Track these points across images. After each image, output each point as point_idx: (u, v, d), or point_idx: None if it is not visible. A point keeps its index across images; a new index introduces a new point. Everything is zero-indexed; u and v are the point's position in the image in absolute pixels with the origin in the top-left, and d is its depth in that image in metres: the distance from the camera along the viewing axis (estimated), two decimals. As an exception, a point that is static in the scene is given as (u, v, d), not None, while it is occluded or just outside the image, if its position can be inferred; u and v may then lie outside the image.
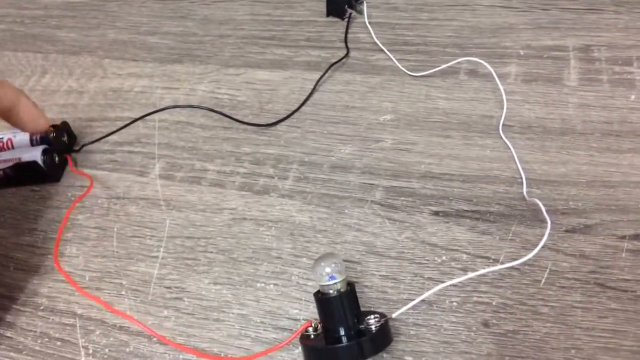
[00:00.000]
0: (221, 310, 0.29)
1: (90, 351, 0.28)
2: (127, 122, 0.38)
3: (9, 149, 0.36)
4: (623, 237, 0.29)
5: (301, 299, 0.29)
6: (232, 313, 0.29)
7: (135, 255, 0.32)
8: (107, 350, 0.28)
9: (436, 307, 0.28)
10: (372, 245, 0.31)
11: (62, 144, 0.37)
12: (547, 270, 0.28)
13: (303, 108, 0.39)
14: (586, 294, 0.27)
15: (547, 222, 0.28)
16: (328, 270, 0.25)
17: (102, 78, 0.44)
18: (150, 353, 0.28)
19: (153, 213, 0.34)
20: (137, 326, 0.29)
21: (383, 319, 0.25)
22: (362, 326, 0.25)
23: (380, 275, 0.29)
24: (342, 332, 0.25)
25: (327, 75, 0.41)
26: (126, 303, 0.30)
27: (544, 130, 0.35)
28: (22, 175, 0.35)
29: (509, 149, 0.34)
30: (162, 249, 0.32)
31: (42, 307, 0.30)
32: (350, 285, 0.26)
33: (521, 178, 0.32)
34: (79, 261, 0.32)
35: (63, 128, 0.37)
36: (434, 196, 0.33)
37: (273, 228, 0.32)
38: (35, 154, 0.35)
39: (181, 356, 0.28)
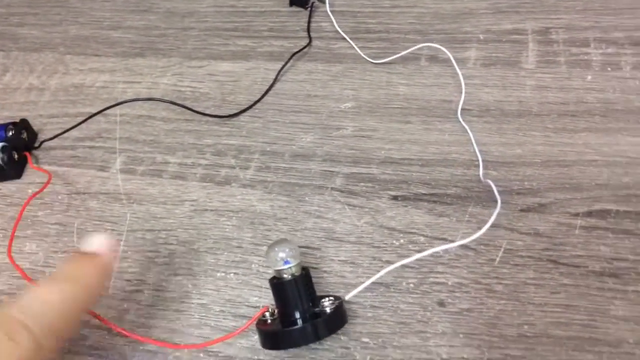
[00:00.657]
0: (181, 301, 0.29)
1: (50, 346, 0.28)
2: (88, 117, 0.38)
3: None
4: (576, 215, 0.30)
5: (261, 287, 0.29)
6: (192, 303, 0.29)
7: (96, 249, 0.32)
8: (66, 344, 0.28)
9: (393, 289, 0.28)
10: (332, 231, 0.31)
11: (20, 141, 0.37)
12: (502, 249, 0.29)
13: (265, 98, 0.39)
14: (539, 271, 0.28)
15: (500, 203, 0.28)
16: (282, 255, 0.25)
17: (63, 74, 0.44)
18: (110, 346, 0.28)
19: (114, 207, 0.34)
20: (97, 319, 0.29)
21: (337, 301, 0.25)
22: (317, 309, 0.25)
23: (339, 260, 0.30)
24: (297, 316, 0.25)
25: (289, 65, 0.41)
26: (86, 297, 0.30)
27: (502, 113, 0.35)
28: (-19, 173, 0.35)
29: (467, 132, 0.34)
30: (122, 243, 0.32)
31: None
32: (305, 270, 0.26)
33: (478, 161, 0.33)
34: (38, 257, 0.32)
35: (21, 125, 0.37)
36: (393, 181, 0.33)
37: (234, 218, 0.32)
38: (-7, 152, 0.34)
39: (141, 347, 0.28)
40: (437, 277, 0.28)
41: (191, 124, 0.38)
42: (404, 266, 0.29)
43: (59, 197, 0.35)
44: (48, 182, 0.33)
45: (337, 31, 0.43)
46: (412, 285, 0.28)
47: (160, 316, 0.29)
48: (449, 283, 0.28)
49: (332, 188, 0.33)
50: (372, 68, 0.40)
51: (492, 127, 0.35)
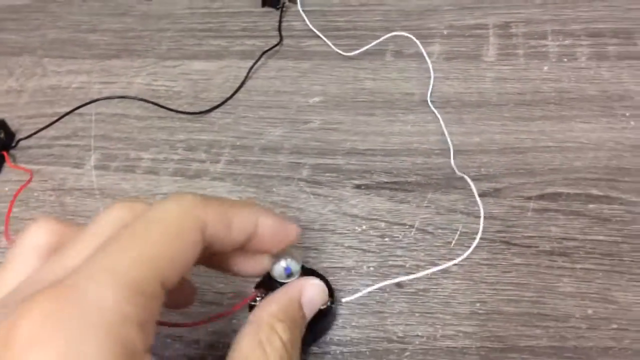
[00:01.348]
0: (151, 289, 0.30)
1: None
2: (62, 116, 0.39)
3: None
4: (529, 198, 0.31)
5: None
6: (162, 291, 0.30)
7: (70, 243, 0.33)
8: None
9: (354, 272, 0.29)
10: (297, 220, 0.32)
11: (-3, 141, 0.38)
12: (458, 233, 0.30)
13: (237, 95, 0.40)
14: (492, 252, 0.29)
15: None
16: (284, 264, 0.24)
17: (41, 76, 0.45)
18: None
19: (87, 202, 0.35)
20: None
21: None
22: None
23: (303, 247, 0.31)
24: None
25: (260, 63, 0.42)
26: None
27: (462, 104, 0.37)
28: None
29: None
30: (95, 236, 0.33)
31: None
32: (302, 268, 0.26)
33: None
34: (14, 252, 0.33)
35: (-2, 126, 0.38)
36: (357, 171, 0.34)
37: (204, 209, 0.33)
38: (-31, 151, 0.35)
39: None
40: (396, 261, 0.30)
41: (164, 121, 0.39)
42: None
43: (35, 194, 0.36)
44: (30, 179, 0.35)
45: (307, 30, 0.44)
46: (372, 268, 0.29)
47: (131, 304, 0.30)
48: (407, 265, 0.29)
49: (298, 179, 0.34)
50: (340, 64, 0.41)
51: (452, 117, 0.36)
